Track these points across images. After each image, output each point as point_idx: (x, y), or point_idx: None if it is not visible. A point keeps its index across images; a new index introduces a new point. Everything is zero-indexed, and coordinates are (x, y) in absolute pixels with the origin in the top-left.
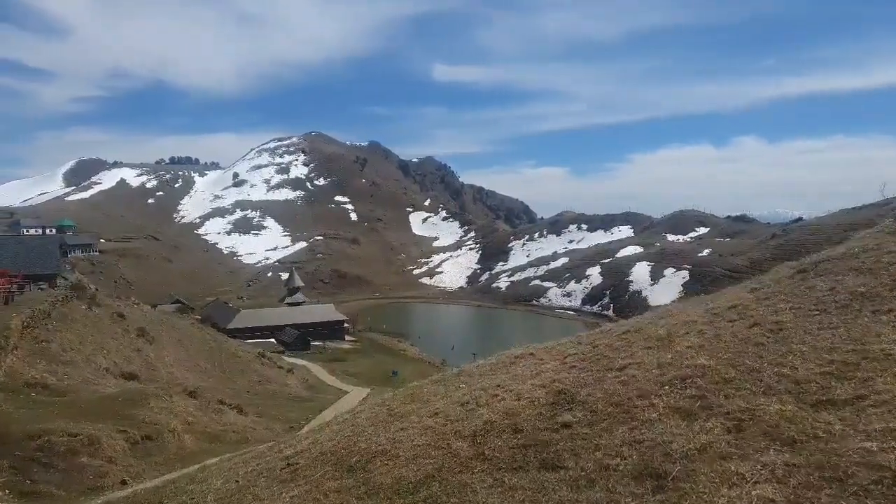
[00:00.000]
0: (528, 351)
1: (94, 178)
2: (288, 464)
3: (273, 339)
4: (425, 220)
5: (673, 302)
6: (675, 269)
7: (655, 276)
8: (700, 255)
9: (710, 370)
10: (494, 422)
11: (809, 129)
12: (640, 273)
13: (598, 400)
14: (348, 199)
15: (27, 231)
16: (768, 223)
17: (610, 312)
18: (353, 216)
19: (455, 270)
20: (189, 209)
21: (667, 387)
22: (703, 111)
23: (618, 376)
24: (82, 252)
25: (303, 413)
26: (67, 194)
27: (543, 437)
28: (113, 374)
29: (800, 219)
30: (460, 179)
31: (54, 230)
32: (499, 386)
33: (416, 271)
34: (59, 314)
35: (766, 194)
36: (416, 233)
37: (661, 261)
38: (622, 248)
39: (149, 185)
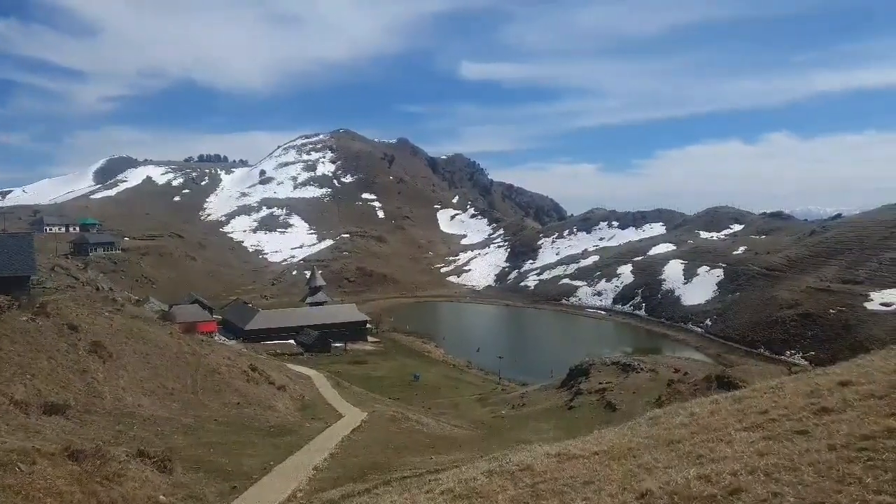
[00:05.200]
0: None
1: (119, 176)
2: None
3: (292, 341)
4: (453, 217)
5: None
6: (709, 268)
7: (689, 274)
8: (735, 252)
9: None
10: None
11: (842, 125)
12: (673, 271)
13: None
14: (375, 197)
15: (50, 229)
16: (805, 220)
17: (642, 312)
18: (380, 213)
19: (483, 268)
20: (215, 207)
21: None
22: (733, 107)
23: None
24: (104, 250)
25: (266, 457)
26: (93, 192)
27: None
28: (28, 408)
29: (838, 215)
30: (489, 177)
31: (77, 228)
32: None
33: (444, 269)
34: None
35: (800, 191)
36: (444, 230)
37: (694, 259)
38: (654, 245)
39: (175, 183)
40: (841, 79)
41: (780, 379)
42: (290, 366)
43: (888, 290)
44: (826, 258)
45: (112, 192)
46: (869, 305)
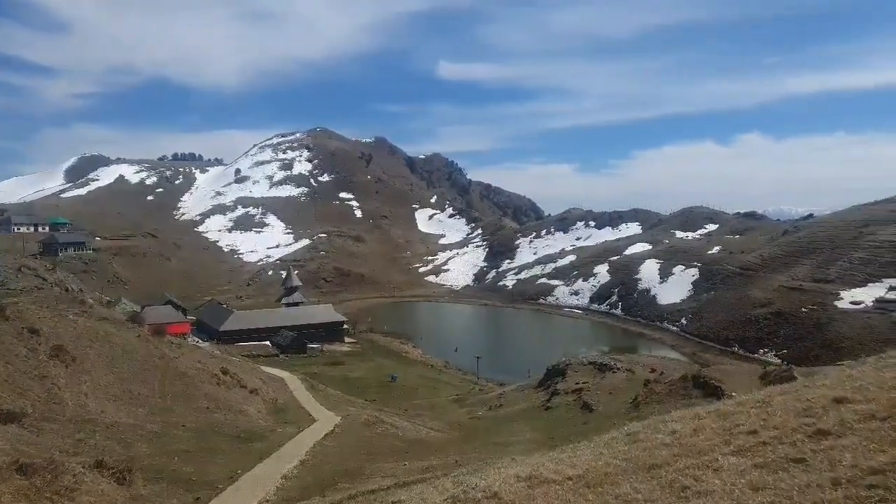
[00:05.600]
0: None
1: (91, 175)
2: None
3: (268, 342)
4: (431, 217)
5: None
6: (684, 267)
7: (664, 274)
8: (710, 252)
9: None
10: None
11: (812, 127)
12: (649, 271)
13: None
14: (352, 196)
15: (18, 229)
16: (778, 220)
17: (618, 311)
18: (358, 213)
19: (461, 268)
20: (189, 206)
21: None
22: (706, 108)
23: None
24: (75, 250)
25: (234, 465)
26: (64, 191)
27: None
28: None
29: (810, 215)
30: (468, 177)
31: (47, 228)
32: None
33: (422, 269)
34: None
35: (772, 191)
36: (422, 230)
37: (670, 258)
38: (630, 245)
39: (148, 182)
40: (811, 81)
41: (767, 391)
42: (264, 368)
43: (858, 290)
44: (798, 258)
45: (83, 191)
46: (839, 304)
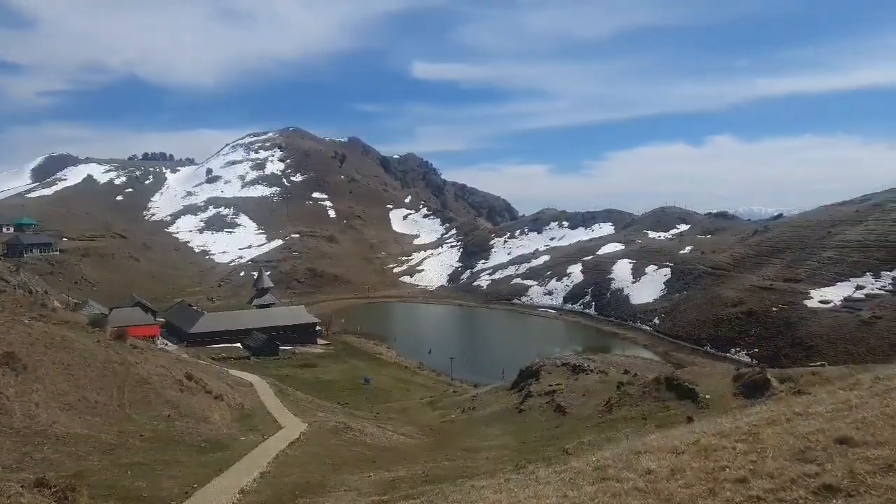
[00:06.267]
0: None
1: (58, 175)
2: None
3: (239, 345)
4: (406, 217)
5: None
6: (656, 267)
7: (637, 273)
8: (682, 252)
9: None
10: None
11: (781, 129)
12: (622, 271)
13: None
14: (326, 196)
15: None
16: (748, 220)
17: (592, 311)
18: (332, 213)
19: (436, 268)
20: (160, 206)
21: None
22: (679, 110)
23: None
24: (40, 251)
25: (190, 478)
26: (30, 191)
27: None
28: None
29: (780, 215)
30: (443, 177)
31: (12, 228)
32: None
33: (396, 269)
34: None
35: (743, 192)
36: (397, 230)
37: (642, 258)
38: (603, 245)
39: (117, 182)
40: (780, 84)
41: (753, 420)
42: (232, 372)
43: (826, 289)
44: (768, 257)
45: (50, 191)
46: (809, 303)
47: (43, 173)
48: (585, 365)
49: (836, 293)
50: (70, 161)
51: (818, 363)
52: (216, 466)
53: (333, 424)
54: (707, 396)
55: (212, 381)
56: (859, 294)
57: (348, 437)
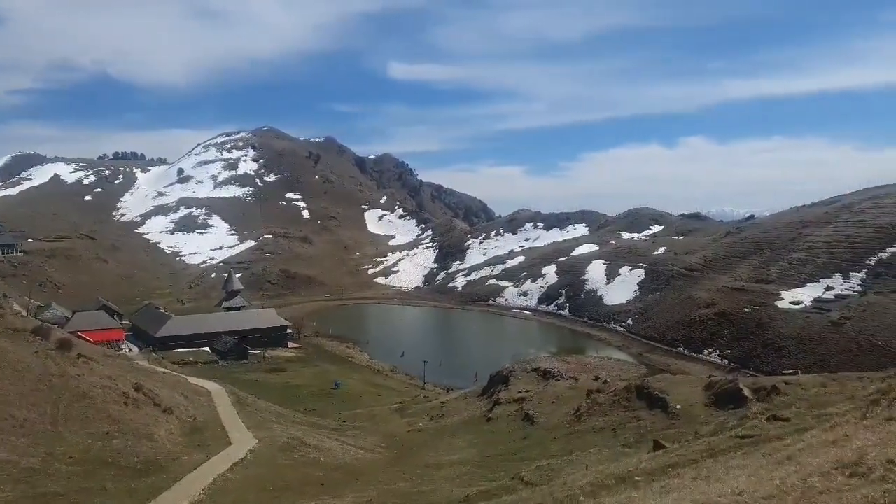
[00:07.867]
0: None
1: (24, 174)
2: None
3: (207, 349)
4: (381, 217)
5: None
6: (630, 268)
7: (611, 274)
8: (655, 253)
9: None
10: None
11: (752, 131)
12: (596, 272)
13: None
14: (300, 196)
15: None
16: (720, 221)
17: (566, 312)
18: (305, 214)
19: (411, 270)
20: (130, 207)
21: None
22: (653, 112)
23: None
24: (3, 252)
25: None
26: None
27: None
28: None
29: (751, 217)
30: (419, 177)
31: None
32: None
33: (371, 271)
34: None
35: (715, 193)
36: (372, 231)
37: (616, 259)
38: (577, 246)
39: (86, 182)
40: (750, 86)
41: (737, 463)
42: (192, 380)
43: (797, 290)
44: (740, 258)
45: (15, 191)
46: (780, 304)
47: (9, 173)
48: (555, 371)
49: (806, 294)
50: (37, 160)
51: (791, 371)
52: (145, 495)
53: (286, 440)
54: (678, 406)
55: (164, 391)
56: (828, 295)
57: (299, 456)
